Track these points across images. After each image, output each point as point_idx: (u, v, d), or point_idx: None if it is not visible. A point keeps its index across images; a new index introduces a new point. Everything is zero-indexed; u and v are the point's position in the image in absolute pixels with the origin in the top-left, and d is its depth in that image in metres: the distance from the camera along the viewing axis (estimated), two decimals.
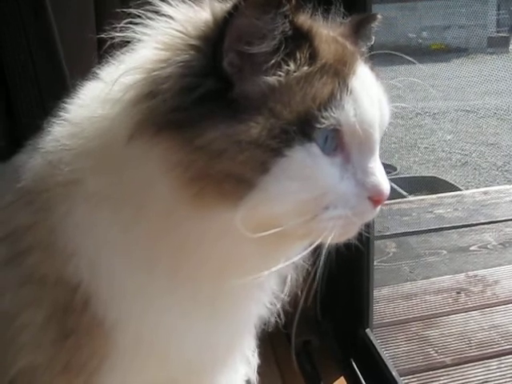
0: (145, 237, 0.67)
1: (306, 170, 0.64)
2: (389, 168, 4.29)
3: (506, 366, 1.58)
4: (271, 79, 0.64)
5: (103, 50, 0.73)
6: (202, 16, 0.66)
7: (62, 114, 0.74)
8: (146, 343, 0.72)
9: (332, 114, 0.64)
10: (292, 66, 0.64)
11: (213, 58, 0.62)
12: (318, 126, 0.64)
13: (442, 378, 1.55)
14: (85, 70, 0.76)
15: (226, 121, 0.62)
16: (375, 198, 0.68)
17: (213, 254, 0.68)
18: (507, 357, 1.62)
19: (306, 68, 0.65)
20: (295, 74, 0.64)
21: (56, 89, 0.78)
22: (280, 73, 0.64)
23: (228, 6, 0.63)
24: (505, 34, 7.85)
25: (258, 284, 0.76)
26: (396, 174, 4.36)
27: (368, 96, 0.68)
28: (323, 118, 0.64)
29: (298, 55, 0.65)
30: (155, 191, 0.64)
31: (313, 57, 0.66)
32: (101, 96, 0.68)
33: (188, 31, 0.65)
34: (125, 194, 0.67)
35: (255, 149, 0.62)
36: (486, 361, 1.61)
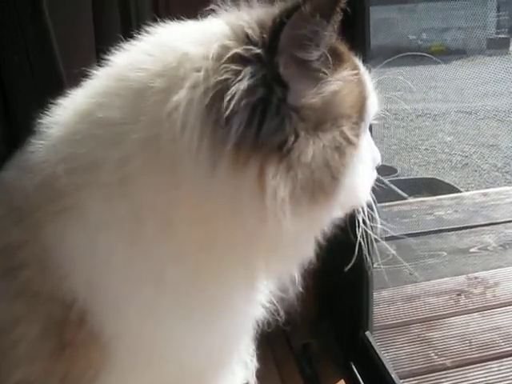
0: (174, 252, 0.67)
1: (365, 152, 0.76)
2: (389, 170, 4.28)
3: (506, 368, 1.58)
4: (334, 86, 0.68)
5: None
6: (253, 19, 0.66)
7: (50, 129, 0.74)
8: (143, 352, 0.72)
9: (367, 106, 0.74)
10: (344, 72, 0.70)
11: (270, 65, 0.63)
12: (366, 121, 0.74)
13: (442, 381, 1.55)
14: (81, 72, 0.76)
15: (315, 131, 0.66)
16: (377, 167, 0.82)
17: (294, 253, 0.74)
18: (508, 359, 1.62)
19: (352, 72, 0.71)
20: (345, 76, 0.70)
21: (53, 91, 0.77)
22: (338, 81, 0.68)
23: (284, 8, 0.63)
24: (504, 36, 7.83)
25: (254, 285, 0.76)
26: (396, 176, 4.35)
27: (371, 84, 0.77)
28: (366, 111, 0.74)
29: (342, 61, 0.71)
30: (247, 213, 0.65)
31: (344, 59, 0.72)
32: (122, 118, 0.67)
33: (247, 38, 0.65)
34: (147, 215, 0.66)
35: (350, 148, 0.69)
36: (487, 363, 1.61)
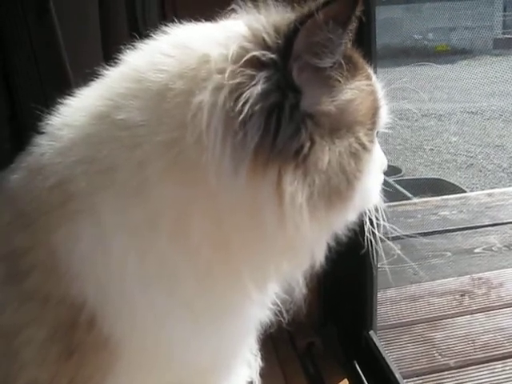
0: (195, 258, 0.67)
1: (376, 155, 0.77)
2: (394, 170, 4.28)
3: (510, 369, 1.58)
4: (348, 95, 0.68)
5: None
6: (270, 23, 0.66)
7: (58, 130, 0.73)
8: (151, 354, 0.72)
9: (379, 114, 0.75)
10: (359, 81, 0.70)
11: (284, 70, 0.64)
12: (378, 128, 0.76)
13: (446, 381, 1.55)
14: (88, 72, 0.76)
15: (330, 138, 0.67)
16: (383, 171, 0.83)
17: (307, 256, 0.74)
18: None
19: (366, 81, 0.72)
20: (359, 86, 0.70)
21: (59, 90, 0.77)
22: (353, 90, 0.69)
23: (299, 14, 0.63)
24: (511, 36, 7.81)
25: (264, 288, 0.77)
26: (401, 176, 4.35)
27: (382, 93, 0.76)
28: (379, 119, 0.75)
29: (356, 70, 0.71)
30: (265, 218, 0.66)
31: (359, 68, 0.72)
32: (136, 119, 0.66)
33: (264, 42, 0.65)
34: (163, 218, 0.66)
35: (365, 154, 0.70)
36: (491, 363, 1.61)
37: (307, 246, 0.72)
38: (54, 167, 0.69)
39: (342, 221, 0.75)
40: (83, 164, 0.68)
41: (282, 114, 0.63)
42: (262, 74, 0.63)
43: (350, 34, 0.66)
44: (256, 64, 0.64)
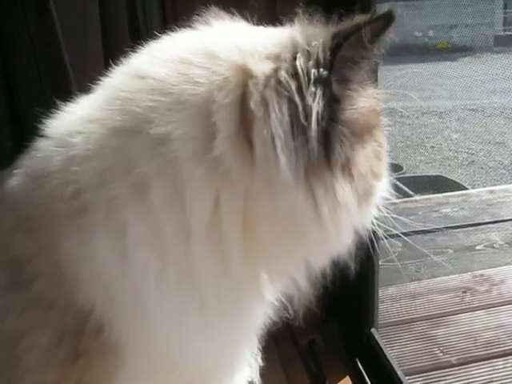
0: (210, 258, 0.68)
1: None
2: (395, 168, 4.28)
3: (511, 366, 1.58)
4: (366, 102, 0.71)
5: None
6: (318, 36, 0.67)
7: (61, 136, 0.71)
8: (157, 358, 0.72)
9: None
10: (371, 88, 0.73)
11: (330, 85, 0.66)
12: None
13: (447, 378, 1.55)
14: (89, 73, 0.75)
15: (361, 144, 0.70)
16: None
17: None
18: None
19: (374, 89, 0.74)
20: (371, 93, 0.72)
21: (60, 89, 0.77)
22: (370, 98, 0.72)
23: (344, 29, 0.66)
24: None
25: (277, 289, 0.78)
26: (402, 174, 4.36)
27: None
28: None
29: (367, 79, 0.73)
30: (305, 222, 0.68)
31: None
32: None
33: (316, 57, 0.66)
34: (198, 229, 0.66)
35: (383, 153, 0.76)
36: (492, 360, 1.60)
37: (340, 245, 0.75)
38: (66, 175, 0.68)
39: (370, 218, 0.79)
40: (105, 176, 0.66)
41: (330, 126, 0.66)
42: (319, 92, 0.65)
43: (380, 50, 0.68)
44: (313, 81, 0.65)
